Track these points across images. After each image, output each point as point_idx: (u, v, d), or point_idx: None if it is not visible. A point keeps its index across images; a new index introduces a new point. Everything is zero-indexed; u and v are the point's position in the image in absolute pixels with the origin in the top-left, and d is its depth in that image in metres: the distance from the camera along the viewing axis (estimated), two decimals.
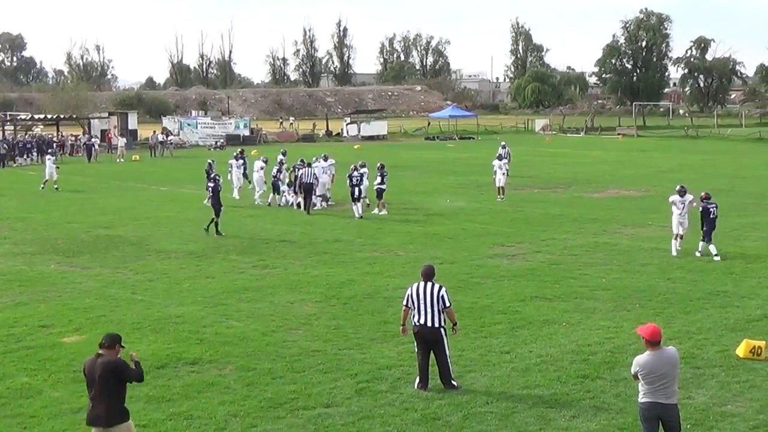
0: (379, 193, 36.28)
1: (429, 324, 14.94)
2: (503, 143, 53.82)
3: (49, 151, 55.13)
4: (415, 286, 15.22)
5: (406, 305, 15.24)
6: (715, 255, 25.84)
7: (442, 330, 15.05)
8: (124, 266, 25.87)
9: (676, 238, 26.94)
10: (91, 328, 19.04)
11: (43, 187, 46.36)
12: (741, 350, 16.85)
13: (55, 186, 46.39)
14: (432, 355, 15.22)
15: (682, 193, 27.18)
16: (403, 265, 25.59)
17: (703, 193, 26.85)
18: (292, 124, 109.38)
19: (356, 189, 35.69)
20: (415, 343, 15.40)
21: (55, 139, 74.49)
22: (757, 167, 56.99)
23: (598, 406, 14.33)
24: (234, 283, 23.48)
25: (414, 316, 15.13)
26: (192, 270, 25.28)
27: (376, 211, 35.79)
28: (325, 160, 40.52)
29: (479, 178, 49.72)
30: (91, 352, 17.10)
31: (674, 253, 26.66)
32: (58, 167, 48.13)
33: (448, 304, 15.03)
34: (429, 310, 14.94)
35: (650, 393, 11.52)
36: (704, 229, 26.16)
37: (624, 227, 32.30)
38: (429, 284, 15.09)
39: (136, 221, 34.80)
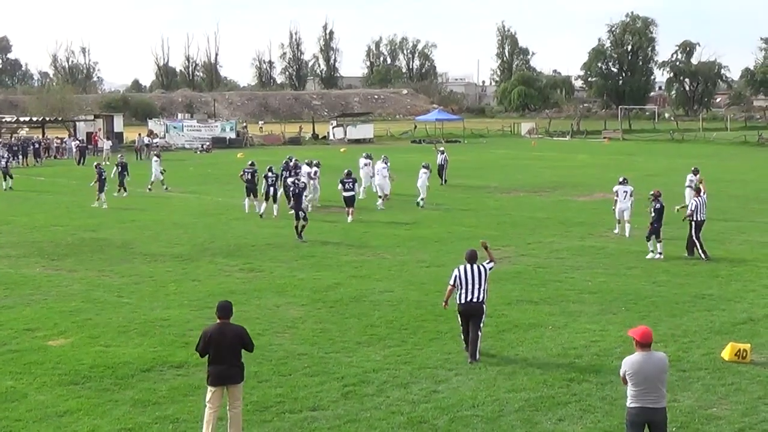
0: (347, 200, 35.89)
1: (475, 300, 16.73)
2: (442, 149, 53.12)
3: (155, 152, 55.33)
4: (461, 267, 16.94)
5: (453, 285, 16.97)
6: (659, 253, 26.87)
7: (484, 305, 16.92)
8: (109, 269, 25.82)
9: (619, 222, 31.10)
10: (76, 332, 19.00)
11: (150, 189, 46.66)
12: (726, 353, 16.92)
13: (165, 187, 47.09)
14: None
15: (623, 182, 31.04)
16: (389, 269, 25.60)
17: (654, 191, 27.74)
18: (261, 128, 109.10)
19: (271, 189, 36.83)
20: (460, 319, 17.19)
21: (42, 141, 74.18)
22: (742, 171, 57.19)
23: (585, 408, 14.36)
24: (220, 286, 23.45)
25: (460, 296, 16.86)
26: (178, 273, 25.24)
27: (349, 219, 35.43)
28: (386, 162, 40.90)
29: (465, 181, 49.79)
30: (77, 355, 17.19)
31: (616, 231, 31.15)
32: (164, 170, 48.00)
33: (491, 267, 17.30)
34: (477, 287, 16.72)
35: (638, 397, 11.49)
36: (654, 225, 26.88)
37: (610, 231, 32.27)
38: (474, 266, 16.86)
39: (122, 224, 34.74)
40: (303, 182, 33.78)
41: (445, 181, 49.31)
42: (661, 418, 11.61)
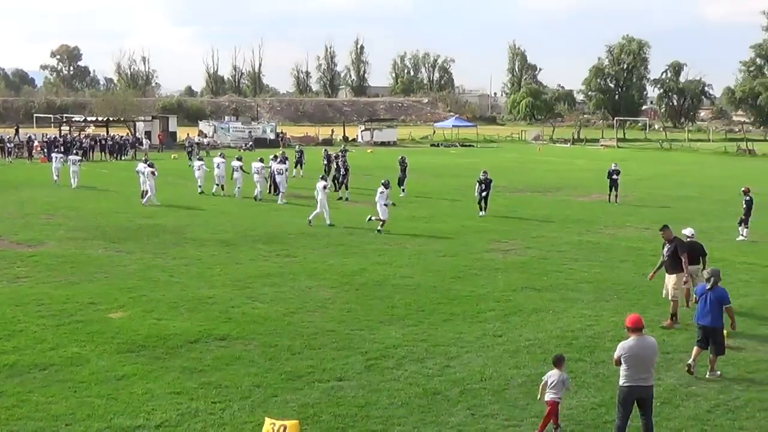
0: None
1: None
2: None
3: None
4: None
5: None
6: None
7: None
8: (163, 252, 25.88)
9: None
10: (133, 306, 19.07)
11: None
12: None
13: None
14: None
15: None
16: (409, 257, 25.56)
17: (744, 188, 30.72)
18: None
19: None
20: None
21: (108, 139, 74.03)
22: (722, 177, 56.77)
23: (579, 384, 14.29)
24: (259, 269, 23.46)
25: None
26: (223, 257, 25.27)
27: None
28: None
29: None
30: (134, 326, 17.25)
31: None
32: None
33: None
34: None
35: (631, 378, 11.54)
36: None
37: (605, 227, 32.21)
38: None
39: (175, 212, 34.82)
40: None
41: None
42: (649, 393, 11.73)
